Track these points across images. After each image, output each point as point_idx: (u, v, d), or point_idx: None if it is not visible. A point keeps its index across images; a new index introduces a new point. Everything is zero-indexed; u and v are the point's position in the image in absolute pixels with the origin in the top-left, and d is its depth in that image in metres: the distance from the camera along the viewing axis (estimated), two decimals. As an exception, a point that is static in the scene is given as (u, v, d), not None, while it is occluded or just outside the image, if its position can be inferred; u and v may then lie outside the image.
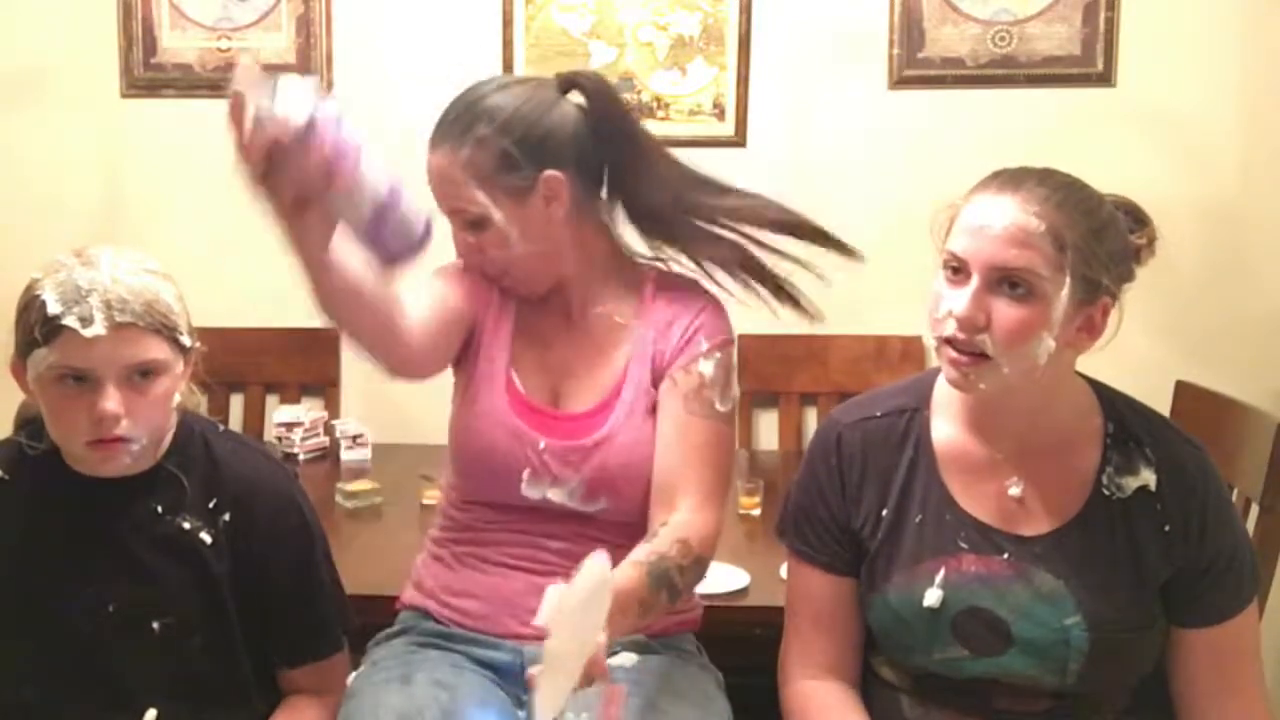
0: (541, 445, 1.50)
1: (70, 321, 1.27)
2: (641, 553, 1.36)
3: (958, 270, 1.28)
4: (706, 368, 1.52)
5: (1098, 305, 1.27)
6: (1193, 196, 2.66)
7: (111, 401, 1.30)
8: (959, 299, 1.26)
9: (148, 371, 1.33)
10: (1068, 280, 1.23)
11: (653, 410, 1.52)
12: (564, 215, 1.50)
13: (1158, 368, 2.34)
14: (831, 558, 1.41)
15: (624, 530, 1.50)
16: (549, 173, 1.48)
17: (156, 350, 1.33)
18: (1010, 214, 1.24)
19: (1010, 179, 1.29)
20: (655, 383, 1.53)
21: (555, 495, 1.50)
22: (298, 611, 1.47)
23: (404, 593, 1.61)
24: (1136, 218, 1.34)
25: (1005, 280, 1.24)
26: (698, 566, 1.42)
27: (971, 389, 1.30)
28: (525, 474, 1.50)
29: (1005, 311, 1.24)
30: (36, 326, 1.29)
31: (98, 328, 1.28)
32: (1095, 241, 1.25)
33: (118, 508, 1.40)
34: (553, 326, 1.57)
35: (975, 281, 1.25)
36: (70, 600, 1.39)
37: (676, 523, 1.42)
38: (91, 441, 1.32)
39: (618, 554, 1.50)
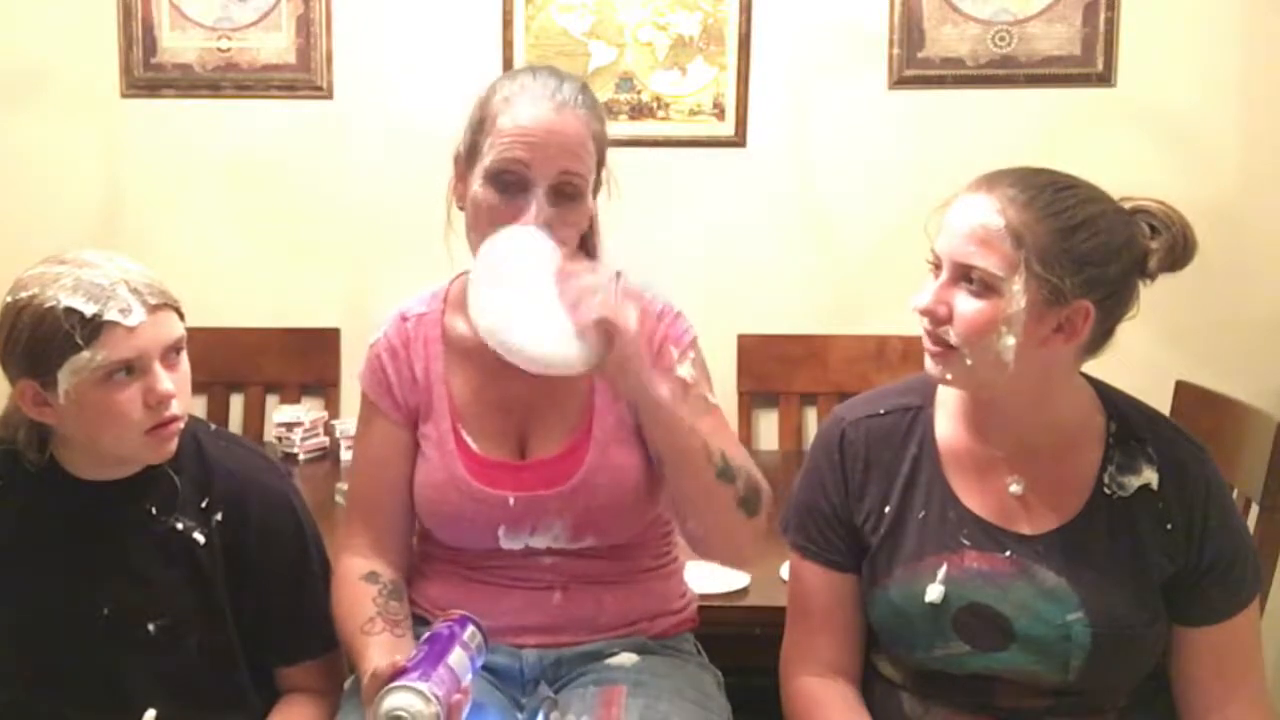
0: (511, 501, 1.45)
1: (113, 315, 1.29)
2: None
3: (937, 266, 1.31)
4: (686, 370, 1.49)
5: (1072, 308, 1.26)
6: (1193, 196, 2.61)
7: (166, 382, 1.33)
8: (927, 292, 1.31)
9: (179, 349, 1.37)
10: (1021, 278, 1.24)
11: (630, 437, 1.47)
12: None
13: (1158, 368, 2.34)
14: (834, 554, 1.42)
15: (614, 553, 1.50)
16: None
17: (180, 327, 1.37)
18: (977, 212, 1.27)
19: (990, 178, 1.30)
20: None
21: (537, 542, 1.48)
22: (292, 609, 1.47)
23: None
24: (1161, 224, 1.32)
25: (965, 276, 1.27)
26: (756, 497, 1.42)
27: (940, 379, 1.34)
28: (501, 530, 1.47)
29: (963, 304, 1.27)
30: (76, 332, 1.28)
31: (139, 314, 1.31)
32: (1060, 242, 1.24)
33: (112, 509, 1.40)
34: (498, 365, 1.45)
35: (942, 276, 1.29)
36: (66, 603, 1.39)
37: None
38: (151, 429, 1.34)
39: (610, 574, 1.50)
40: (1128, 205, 1.32)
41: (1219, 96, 2.69)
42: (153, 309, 1.32)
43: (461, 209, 1.46)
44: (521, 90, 1.42)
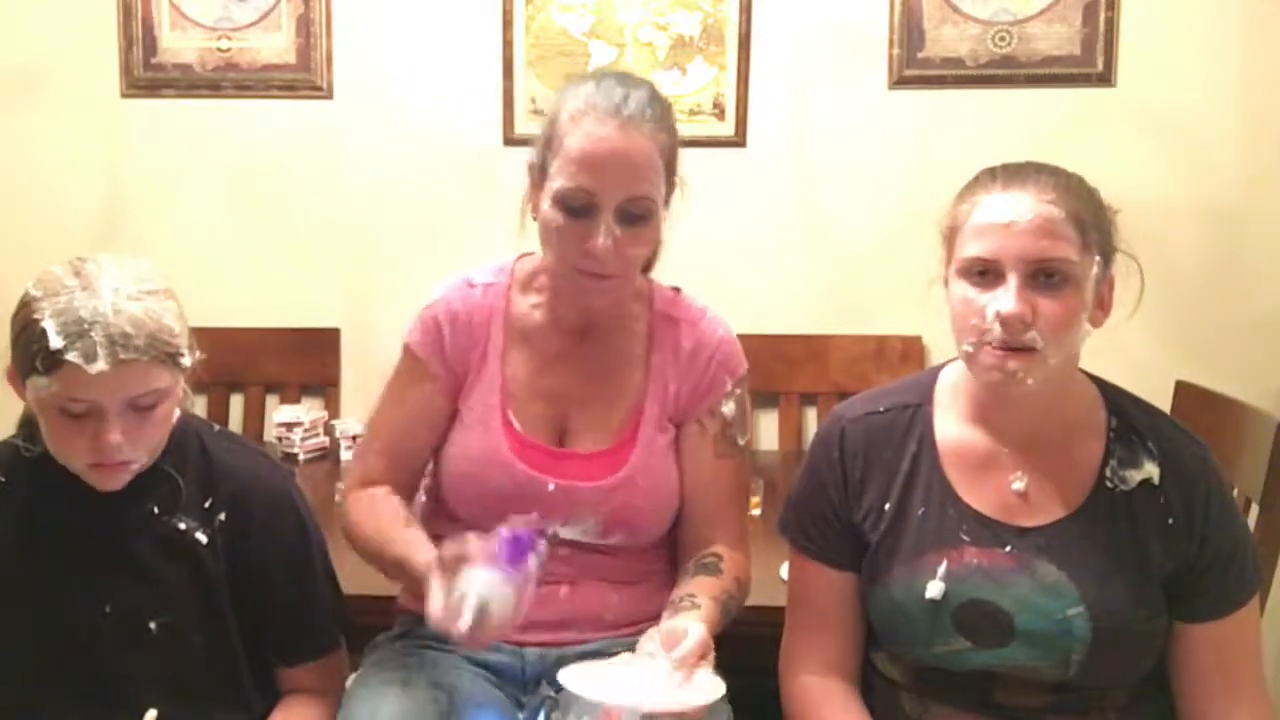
0: (551, 487, 1.47)
1: (73, 357, 1.25)
2: (716, 588, 1.43)
3: (985, 272, 1.28)
4: (729, 408, 1.53)
5: (1107, 280, 1.31)
6: (1193, 196, 2.67)
7: (114, 434, 1.30)
8: (1001, 299, 1.26)
9: (149, 402, 1.32)
10: (1096, 259, 1.28)
11: (670, 445, 1.52)
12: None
13: (1158, 368, 2.35)
14: (833, 553, 1.42)
15: (636, 553, 1.51)
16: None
17: (158, 379, 1.32)
18: (1032, 207, 1.26)
19: (1013, 174, 1.30)
20: (673, 419, 1.52)
21: (567, 532, 1.48)
22: (294, 610, 1.47)
23: (400, 594, 1.60)
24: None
25: (1040, 272, 1.26)
26: (743, 601, 1.50)
27: (1020, 386, 1.29)
28: (534, 513, 1.45)
29: (1047, 304, 1.26)
30: (38, 357, 1.27)
31: (101, 364, 1.26)
32: (1103, 217, 1.30)
33: (115, 509, 1.40)
34: (556, 351, 1.52)
35: (1013, 279, 1.26)
36: (68, 602, 1.39)
37: (730, 560, 1.49)
38: (94, 464, 1.33)
39: (620, 572, 1.51)
40: None
41: (1219, 96, 2.69)
42: (121, 362, 1.27)
43: (535, 219, 1.47)
44: (587, 108, 1.40)
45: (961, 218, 1.31)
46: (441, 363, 1.52)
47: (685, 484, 1.53)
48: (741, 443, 1.55)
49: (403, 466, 1.54)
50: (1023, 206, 1.26)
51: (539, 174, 1.45)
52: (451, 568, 1.23)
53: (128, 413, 1.31)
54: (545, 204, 1.42)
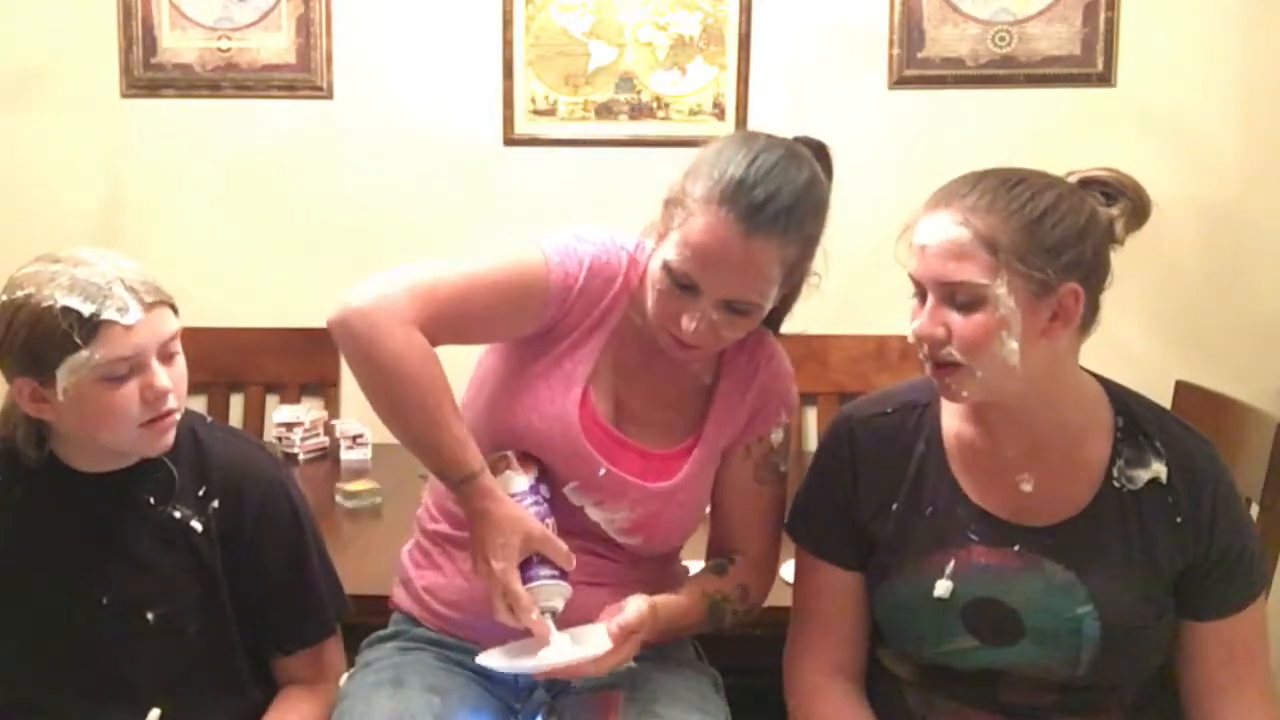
0: (602, 472, 1.46)
1: (110, 315, 1.30)
2: (711, 584, 1.48)
3: (921, 293, 1.31)
4: (778, 436, 1.55)
5: (1060, 294, 1.26)
6: (1193, 196, 2.66)
7: (163, 378, 1.35)
8: (918, 319, 1.30)
9: (175, 344, 1.38)
10: (1005, 281, 1.24)
11: (714, 469, 1.53)
12: None
13: (1158, 368, 2.34)
14: (841, 553, 1.43)
15: (635, 561, 1.51)
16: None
17: (175, 322, 1.38)
18: (942, 229, 1.27)
19: (945, 194, 1.30)
20: (727, 446, 1.53)
21: (595, 515, 1.48)
22: (289, 595, 1.48)
23: (394, 590, 1.59)
24: (1115, 190, 1.33)
25: (951, 294, 1.27)
26: (746, 614, 1.51)
27: (956, 398, 1.33)
28: (574, 483, 1.46)
29: (959, 323, 1.27)
30: (74, 331, 1.28)
31: (135, 313, 1.31)
32: (1031, 236, 1.25)
33: (110, 500, 1.41)
34: (637, 362, 1.50)
35: (930, 300, 1.29)
36: (65, 593, 1.39)
37: (743, 566, 1.51)
38: (147, 422, 1.35)
39: (617, 577, 1.50)
40: (1075, 179, 1.33)
41: (1219, 96, 2.69)
42: (149, 307, 1.33)
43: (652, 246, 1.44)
44: (723, 200, 1.32)
45: (911, 233, 1.32)
46: (563, 302, 1.44)
47: (720, 503, 1.54)
48: (783, 470, 1.55)
49: (437, 335, 1.40)
50: (936, 229, 1.28)
51: (664, 223, 1.40)
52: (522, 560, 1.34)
53: (162, 364, 1.35)
54: (657, 260, 1.39)
